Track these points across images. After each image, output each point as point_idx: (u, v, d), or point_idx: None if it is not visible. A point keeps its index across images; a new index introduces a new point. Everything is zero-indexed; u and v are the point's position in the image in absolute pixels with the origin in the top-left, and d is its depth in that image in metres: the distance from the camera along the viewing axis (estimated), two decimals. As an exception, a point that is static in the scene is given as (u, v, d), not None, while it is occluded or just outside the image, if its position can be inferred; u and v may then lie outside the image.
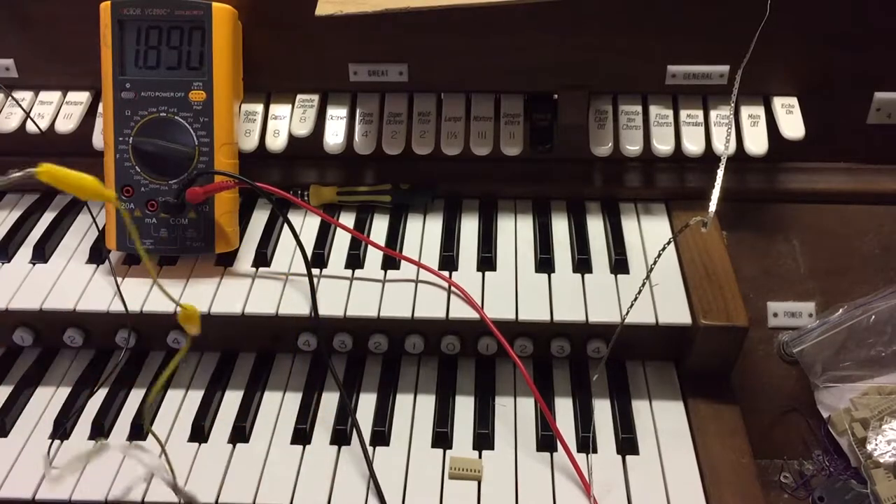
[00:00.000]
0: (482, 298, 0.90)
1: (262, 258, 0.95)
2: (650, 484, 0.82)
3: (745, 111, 0.98)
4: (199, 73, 0.92)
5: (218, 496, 0.82)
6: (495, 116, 1.00)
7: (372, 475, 0.82)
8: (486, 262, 0.95)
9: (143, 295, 0.91)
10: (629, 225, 1.00)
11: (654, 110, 0.99)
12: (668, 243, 0.89)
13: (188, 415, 0.90)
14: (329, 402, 0.91)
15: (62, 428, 0.88)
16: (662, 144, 0.97)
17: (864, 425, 0.86)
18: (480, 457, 0.85)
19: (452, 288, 0.91)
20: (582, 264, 0.94)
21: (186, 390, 0.93)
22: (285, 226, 0.98)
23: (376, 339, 0.94)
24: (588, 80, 0.98)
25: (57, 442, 0.87)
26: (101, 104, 0.95)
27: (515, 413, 0.89)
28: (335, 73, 0.99)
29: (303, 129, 0.99)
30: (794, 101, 0.98)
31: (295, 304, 0.90)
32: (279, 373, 0.95)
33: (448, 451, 0.86)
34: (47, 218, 1.03)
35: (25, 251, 0.98)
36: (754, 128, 0.97)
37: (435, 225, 1.00)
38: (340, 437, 0.87)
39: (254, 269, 0.95)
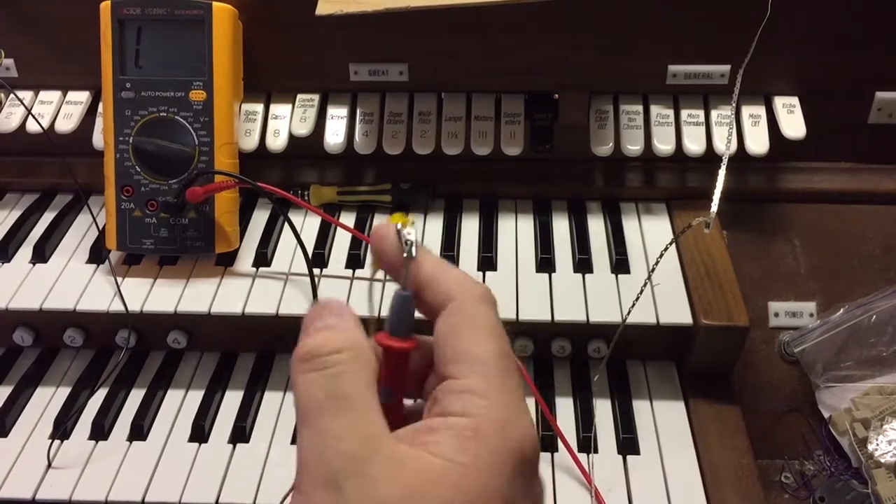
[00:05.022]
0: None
1: (263, 258, 0.95)
2: (651, 484, 0.82)
3: (746, 111, 0.98)
4: (199, 73, 0.92)
5: (218, 496, 0.81)
6: (496, 116, 1.00)
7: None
8: (487, 261, 0.95)
9: (143, 295, 0.91)
10: (630, 224, 1.00)
11: (654, 110, 0.99)
12: (671, 244, 0.88)
13: (188, 415, 0.90)
14: (329, 402, 0.91)
15: (62, 428, 0.88)
16: (663, 144, 0.97)
17: (866, 425, 0.86)
18: (481, 457, 0.85)
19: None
20: (583, 264, 0.94)
21: (186, 390, 0.93)
22: (285, 226, 0.98)
23: (377, 339, 0.93)
24: (589, 79, 0.98)
25: (57, 442, 0.87)
26: (101, 104, 0.95)
27: (516, 413, 0.89)
28: (335, 73, 0.99)
29: (303, 128, 0.99)
30: (795, 100, 0.98)
31: (295, 304, 0.90)
32: (279, 373, 0.95)
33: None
34: (47, 218, 1.03)
35: (25, 251, 0.98)
36: (755, 127, 0.97)
37: (435, 225, 1.00)
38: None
39: (254, 268, 0.95)
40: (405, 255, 0.42)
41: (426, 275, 0.43)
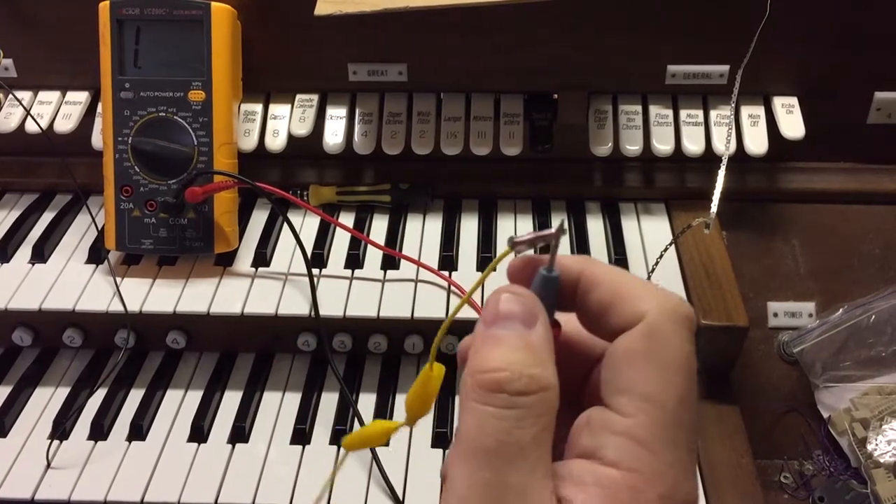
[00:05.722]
0: (482, 298, 0.90)
1: (262, 258, 0.95)
2: (650, 484, 0.82)
3: (745, 111, 0.98)
4: (198, 73, 0.91)
5: (217, 496, 0.81)
6: (495, 116, 1.00)
7: (382, 473, 0.82)
8: (487, 262, 0.94)
9: (143, 295, 0.91)
10: (629, 225, 1.00)
11: (653, 110, 0.99)
12: (670, 244, 0.88)
13: (187, 415, 0.90)
14: (329, 402, 0.91)
15: (61, 428, 0.88)
16: (662, 144, 0.97)
17: (865, 425, 0.86)
18: (480, 457, 0.85)
19: (452, 288, 0.91)
20: (582, 264, 0.94)
21: (186, 390, 0.93)
22: (284, 226, 0.98)
23: (376, 339, 0.93)
24: (588, 79, 0.98)
25: (56, 442, 0.86)
26: (101, 104, 0.95)
27: (515, 413, 0.89)
28: (334, 73, 0.99)
29: (302, 128, 0.99)
30: (794, 100, 0.98)
31: (294, 304, 0.90)
32: (279, 373, 0.95)
33: (448, 451, 0.85)
34: (46, 218, 1.03)
35: (25, 251, 0.98)
36: (754, 128, 0.97)
37: (435, 225, 1.00)
38: (341, 437, 0.87)
39: (253, 269, 0.95)
40: (554, 230, 0.35)
41: (594, 272, 0.36)
